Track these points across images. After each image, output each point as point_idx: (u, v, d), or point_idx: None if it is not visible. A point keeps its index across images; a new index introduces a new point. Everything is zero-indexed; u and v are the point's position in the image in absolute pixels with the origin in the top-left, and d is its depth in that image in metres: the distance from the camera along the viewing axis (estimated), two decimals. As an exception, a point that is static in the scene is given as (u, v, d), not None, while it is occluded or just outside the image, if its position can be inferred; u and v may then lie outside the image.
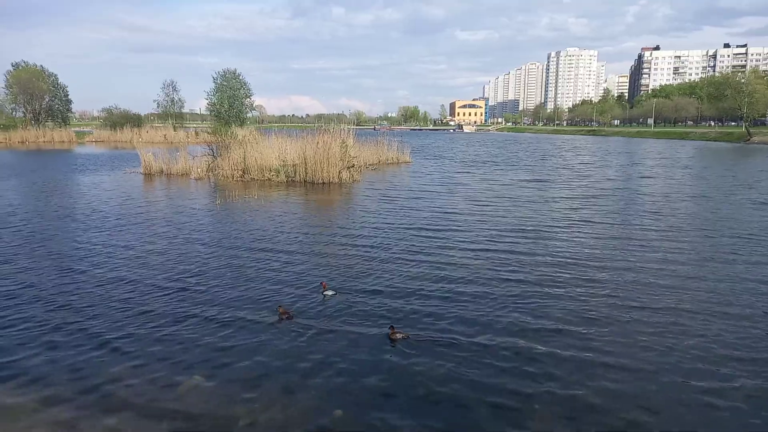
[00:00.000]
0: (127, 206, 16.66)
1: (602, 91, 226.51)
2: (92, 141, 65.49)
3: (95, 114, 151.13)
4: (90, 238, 12.02)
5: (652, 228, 13.39)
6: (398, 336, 6.53)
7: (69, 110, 78.27)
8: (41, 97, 69.05)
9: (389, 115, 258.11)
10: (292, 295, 8.17)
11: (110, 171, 28.63)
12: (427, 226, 13.50)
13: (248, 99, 73.84)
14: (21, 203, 17.36)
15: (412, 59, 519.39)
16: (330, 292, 8.20)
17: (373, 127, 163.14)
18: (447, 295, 8.22)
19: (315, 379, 5.60)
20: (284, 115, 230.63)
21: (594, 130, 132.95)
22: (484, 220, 14.35)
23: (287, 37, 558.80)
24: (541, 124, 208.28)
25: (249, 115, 78.30)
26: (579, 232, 13.04)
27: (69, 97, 75.89)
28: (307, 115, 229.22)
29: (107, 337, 6.61)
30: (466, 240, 11.98)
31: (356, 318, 7.27)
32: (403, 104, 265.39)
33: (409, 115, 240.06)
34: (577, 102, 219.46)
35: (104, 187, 21.77)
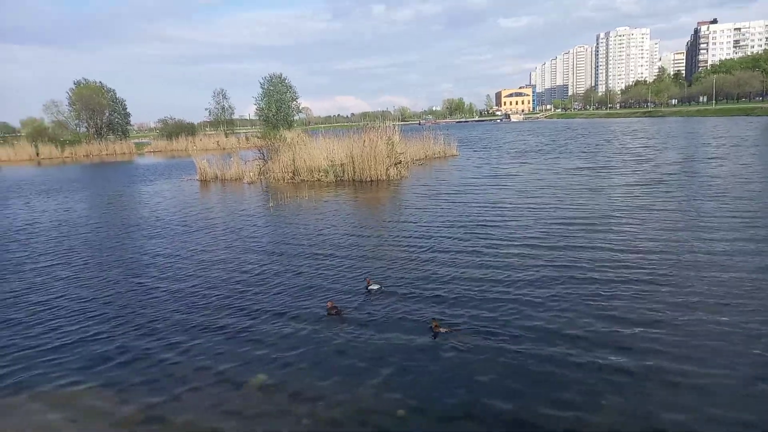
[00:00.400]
0: (187, 213, 17.32)
1: (657, 71, 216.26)
2: (150, 151, 68.62)
3: (152, 125, 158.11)
4: (154, 247, 12.55)
5: (724, 215, 12.46)
6: (441, 330, 6.52)
7: (128, 123, 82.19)
8: (102, 111, 72.88)
9: (434, 108, 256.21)
10: (344, 292, 8.29)
11: (168, 179, 29.87)
12: (476, 221, 13.19)
13: (295, 102, 75.19)
14: (89, 214, 18.36)
15: (454, 51, 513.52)
16: (375, 287, 8.30)
17: (418, 122, 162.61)
18: (498, 291, 8.00)
19: (374, 378, 5.61)
20: (330, 116, 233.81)
21: (650, 112, 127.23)
22: (536, 213, 13.85)
23: (329, 39, 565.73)
24: (592, 109, 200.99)
25: (296, 117, 79.66)
26: (642, 221, 12.27)
27: (127, 110, 79.77)
28: (352, 114, 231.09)
29: (174, 340, 6.89)
30: (518, 234, 11.56)
31: (406, 315, 7.26)
32: (447, 97, 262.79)
33: (454, 107, 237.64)
34: (630, 83, 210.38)
35: (164, 195, 22.72)
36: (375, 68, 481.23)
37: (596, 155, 30.42)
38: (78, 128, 73.03)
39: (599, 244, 10.35)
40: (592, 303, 7.35)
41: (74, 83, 73.80)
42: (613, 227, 11.81)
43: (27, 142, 65.83)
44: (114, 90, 76.85)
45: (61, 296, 8.96)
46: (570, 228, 11.89)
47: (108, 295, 8.88)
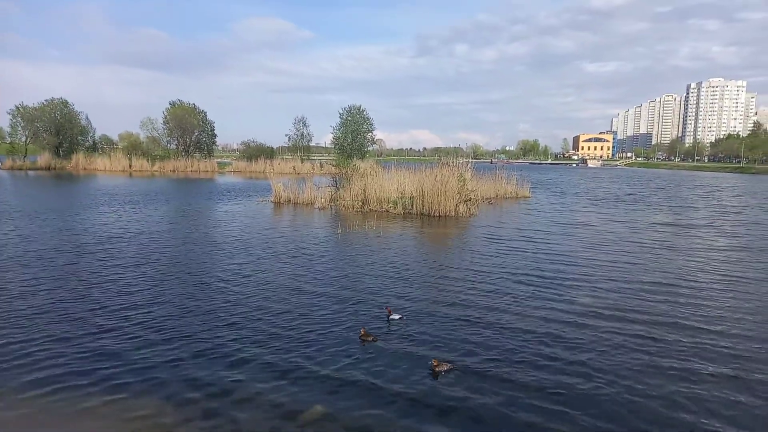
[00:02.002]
0: (261, 234, 17.93)
1: (751, 125, 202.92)
2: (231, 171, 72.18)
3: (235, 146, 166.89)
4: (226, 264, 13.08)
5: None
6: (443, 368, 6.57)
7: (214, 143, 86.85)
8: (192, 131, 77.68)
9: (507, 148, 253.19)
10: (402, 322, 8.19)
11: (245, 199, 31.13)
12: (538, 275, 12.02)
13: (370, 133, 76.80)
14: (171, 228, 19.42)
15: (536, 93, 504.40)
16: (396, 317, 8.55)
17: (490, 160, 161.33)
18: (537, 356, 7.25)
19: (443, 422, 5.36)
20: (402, 149, 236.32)
21: (742, 168, 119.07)
22: (607, 272, 12.51)
23: (411, 75, 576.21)
24: (678, 160, 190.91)
25: (369, 148, 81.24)
26: (737, 296, 10.56)
27: (215, 131, 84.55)
28: (424, 149, 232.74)
29: (232, 366, 7.01)
30: (581, 295, 10.31)
31: (435, 347, 7.06)
32: (523, 138, 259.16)
33: (529, 148, 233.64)
34: (721, 136, 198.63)
35: (241, 214, 23.64)
36: (453, 104, 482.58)
37: (685, 210, 28.64)
38: (169, 145, 78.13)
39: (680, 319, 8.95)
40: (662, 397, 6.15)
41: (170, 103, 79.60)
42: (699, 299, 10.24)
43: (123, 154, 71.30)
44: (205, 112, 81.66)
45: (134, 308, 9.41)
46: (645, 294, 10.50)
47: (173, 313, 9.21)
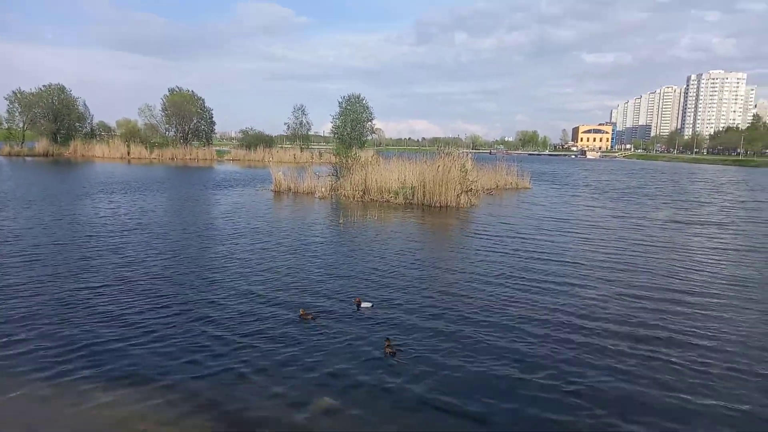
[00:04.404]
0: (263, 223, 17.88)
1: (750, 118, 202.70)
2: (230, 159, 71.85)
3: (233, 134, 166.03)
4: (227, 254, 13.05)
5: None
6: (391, 350, 6.79)
7: (212, 131, 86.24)
8: (190, 118, 77.17)
9: (506, 139, 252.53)
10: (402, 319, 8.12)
11: (246, 187, 30.98)
12: (530, 277, 11.11)
13: (369, 122, 76.34)
14: (172, 219, 19.32)
15: (535, 83, 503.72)
16: (367, 305, 8.71)
17: (489, 151, 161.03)
18: (497, 348, 7.06)
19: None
20: (401, 138, 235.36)
21: (740, 160, 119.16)
22: (605, 274, 11.53)
23: (410, 63, 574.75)
24: (676, 152, 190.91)
25: (369, 137, 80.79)
26: (753, 300, 9.80)
27: (213, 119, 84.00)
28: (423, 138, 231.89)
29: (234, 357, 6.99)
30: (572, 302, 9.38)
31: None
32: (521, 128, 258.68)
33: (528, 139, 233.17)
34: (720, 129, 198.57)
35: (241, 203, 23.50)
36: (452, 94, 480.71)
37: (688, 204, 28.34)
38: (167, 132, 77.62)
39: (682, 336, 7.84)
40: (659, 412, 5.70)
41: (168, 90, 78.98)
42: (710, 309, 9.18)
43: (121, 141, 70.82)
44: (203, 99, 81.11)
45: (134, 297, 9.37)
46: (643, 302, 9.53)
47: (169, 303, 9.18)
